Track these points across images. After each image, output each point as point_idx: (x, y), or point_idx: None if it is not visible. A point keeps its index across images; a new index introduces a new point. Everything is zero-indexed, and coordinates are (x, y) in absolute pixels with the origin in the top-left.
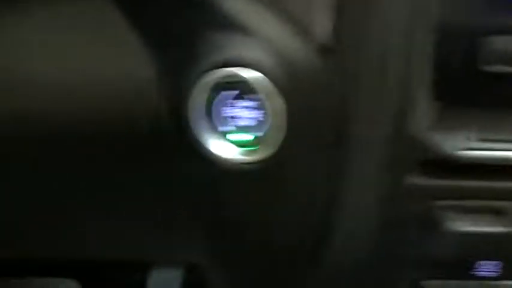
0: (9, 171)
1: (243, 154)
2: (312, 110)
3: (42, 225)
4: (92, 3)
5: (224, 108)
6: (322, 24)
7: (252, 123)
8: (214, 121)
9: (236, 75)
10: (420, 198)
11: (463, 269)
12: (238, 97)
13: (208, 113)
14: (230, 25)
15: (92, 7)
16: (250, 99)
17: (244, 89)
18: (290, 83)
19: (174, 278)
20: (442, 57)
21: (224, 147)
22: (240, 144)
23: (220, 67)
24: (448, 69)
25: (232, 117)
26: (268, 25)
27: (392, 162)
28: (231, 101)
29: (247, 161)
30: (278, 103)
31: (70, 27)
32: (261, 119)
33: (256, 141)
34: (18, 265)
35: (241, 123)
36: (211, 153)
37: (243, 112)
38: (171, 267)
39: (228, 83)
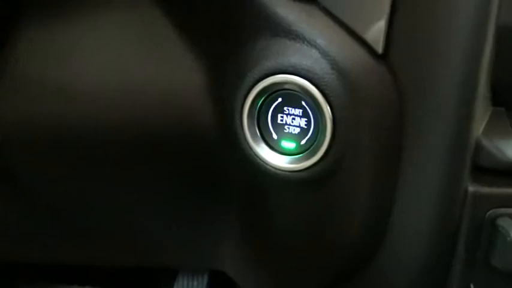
0: (51, 175)
1: (287, 162)
2: (365, 119)
3: (68, 232)
4: (141, 12)
5: (268, 115)
6: (376, 31)
7: (296, 131)
8: (261, 128)
9: (286, 82)
10: (479, 205)
11: None
12: (282, 104)
13: (254, 119)
14: (282, 32)
15: (140, 16)
16: (295, 107)
17: (288, 97)
18: (340, 91)
19: (200, 284)
20: (502, 62)
21: (269, 155)
22: (284, 152)
23: (270, 74)
24: (508, 73)
25: (276, 124)
26: (320, 33)
27: (449, 169)
28: (275, 108)
29: (291, 169)
30: (324, 111)
31: (119, 37)
32: (305, 127)
33: (301, 149)
34: (44, 272)
35: (285, 130)
36: (258, 160)
37: (288, 119)
38: (197, 273)
39: (274, 91)
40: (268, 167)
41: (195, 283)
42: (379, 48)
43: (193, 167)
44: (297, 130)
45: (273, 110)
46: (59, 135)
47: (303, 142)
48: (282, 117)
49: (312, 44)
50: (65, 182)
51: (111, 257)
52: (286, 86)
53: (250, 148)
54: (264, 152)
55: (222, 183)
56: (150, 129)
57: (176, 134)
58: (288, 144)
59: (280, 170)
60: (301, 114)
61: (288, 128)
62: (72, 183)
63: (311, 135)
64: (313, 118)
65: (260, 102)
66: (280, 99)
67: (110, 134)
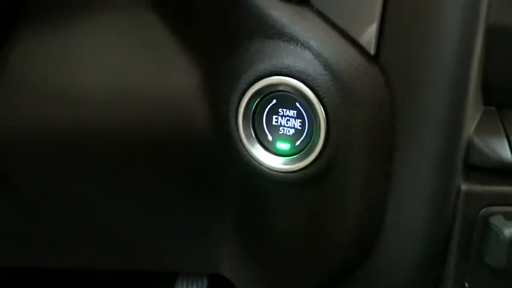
0: (51, 179)
1: (282, 163)
2: (358, 120)
3: (68, 236)
4: (138, 17)
5: (263, 116)
6: (368, 33)
7: (291, 132)
8: (256, 129)
9: (280, 84)
10: (471, 203)
11: None
12: (277, 106)
13: (249, 121)
14: (276, 34)
15: (137, 21)
16: (289, 108)
17: (283, 98)
18: (333, 92)
19: None
20: (492, 61)
21: (264, 156)
22: (279, 153)
23: (264, 76)
24: (498, 72)
25: (271, 125)
26: (313, 34)
27: (442, 168)
28: (270, 109)
29: (286, 170)
30: (318, 112)
31: (117, 42)
32: (299, 128)
33: (296, 150)
34: (44, 276)
35: (280, 132)
36: (253, 162)
37: (282, 121)
38: (196, 276)
39: (269, 92)
40: (263, 168)
41: (195, 287)
42: (371, 50)
43: (191, 169)
44: (292, 131)
45: (267, 112)
46: (57, 138)
47: (297, 143)
48: (276, 118)
49: (305, 45)
50: (64, 185)
51: (112, 260)
52: (281, 88)
53: (246, 149)
54: (259, 153)
55: (220, 184)
56: (148, 131)
57: (173, 136)
58: (283, 146)
59: (275, 171)
60: (295, 115)
61: (283, 129)
62: (71, 186)
63: (305, 136)
64: (308, 119)
65: (255, 103)
66: (274, 101)
67: (108, 136)
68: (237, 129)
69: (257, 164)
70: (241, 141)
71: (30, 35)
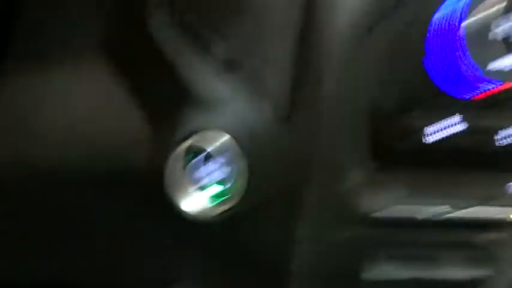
0: (14, 208)
1: (211, 206)
2: (273, 172)
3: (58, 249)
4: (101, 74)
5: (195, 166)
6: (282, 98)
7: (220, 178)
8: (187, 179)
9: (212, 138)
10: (352, 249)
11: None
12: (209, 156)
13: (182, 171)
14: (202, 98)
15: (101, 74)
16: (219, 158)
17: (213, 150)
18: (253, 146)
19: None
20: (376, 130)
21: (195, 202)
22: (210, 198)
23: (196, 131)
24: (380, 138)
25: (202, 174)
26: (235, 97)
27: (328, 220)
28: (201, 160)
29: (215, 212)
30: (241, 162)
31: (80, 93)
32: (226, 175)
33: (223, 195)
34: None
35: (210, 179)
36: (183, 208)
37: (212, 168)
38: None
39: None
40: (193, 213)
41: None
42: (286, 112)
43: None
44: (222, 176)
45: (199, 160)
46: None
47: (224, 188)
48: (207, 165)
49: (230, 107)
50: (34, 212)
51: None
52: (212, 141)
53: (175, 196)
54: (188, 200)
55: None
56: (110, 171)
57: (135, 177)
58: (211, 191)
59: (204, 214)
60: (225, 162)
61: (212, 176)
62: (39, 214)
63: (231, 183)
64: (234, 168)
65: (188, 155)
66: (205, 152)
67: (75, 178)
68: (169, 176)
69: (186, 209)
70: (171, 189)
71: (15, 75)
